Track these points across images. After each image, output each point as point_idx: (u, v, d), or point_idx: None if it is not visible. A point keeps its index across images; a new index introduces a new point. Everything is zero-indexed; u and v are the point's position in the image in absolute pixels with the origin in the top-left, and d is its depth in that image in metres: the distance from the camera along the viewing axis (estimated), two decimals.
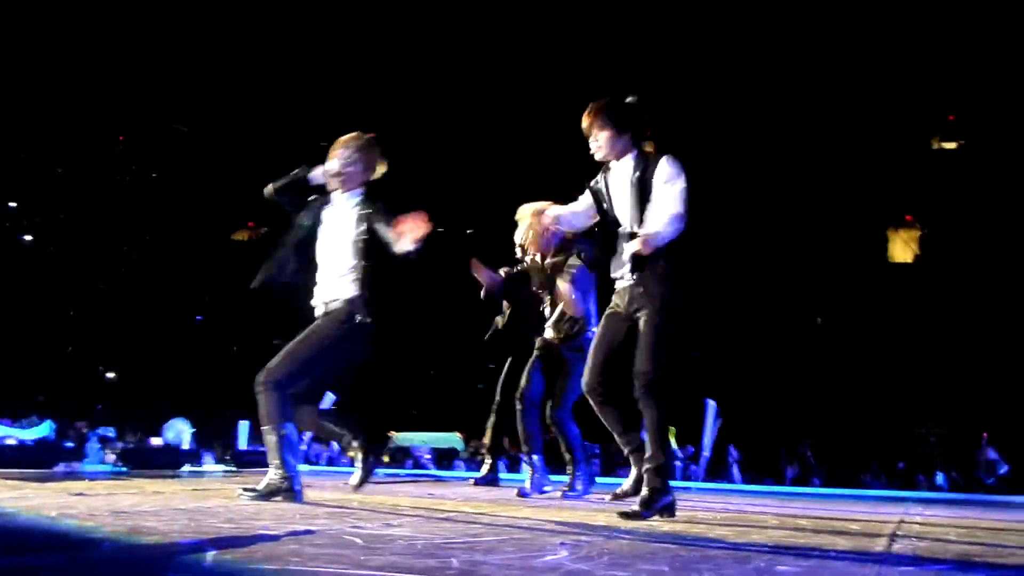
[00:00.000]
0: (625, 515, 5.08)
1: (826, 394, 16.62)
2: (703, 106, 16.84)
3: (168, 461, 10.03)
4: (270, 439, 5.61)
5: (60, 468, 8.88)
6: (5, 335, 21.27)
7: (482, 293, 7.85)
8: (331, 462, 12.40)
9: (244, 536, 3.66)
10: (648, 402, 5.22)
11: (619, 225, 5.48)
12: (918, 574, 3.42)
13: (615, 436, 5.73)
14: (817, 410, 16.28)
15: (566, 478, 7.71)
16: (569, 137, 5.82)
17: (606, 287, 5.71)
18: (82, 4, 19.72)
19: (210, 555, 3.10)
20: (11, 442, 10.39)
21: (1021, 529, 5.89)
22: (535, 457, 7.57)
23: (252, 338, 18.80)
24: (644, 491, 5.24)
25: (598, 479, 8.22)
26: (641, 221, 5.33)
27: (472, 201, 19.86)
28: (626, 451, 5.83)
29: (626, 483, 6.81)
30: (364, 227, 5.75)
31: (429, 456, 13.34)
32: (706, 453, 12.03)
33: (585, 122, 5.54)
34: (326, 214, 5.97)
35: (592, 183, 5.63)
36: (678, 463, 12.37)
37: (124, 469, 9.38)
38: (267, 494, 5.52)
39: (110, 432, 11.77)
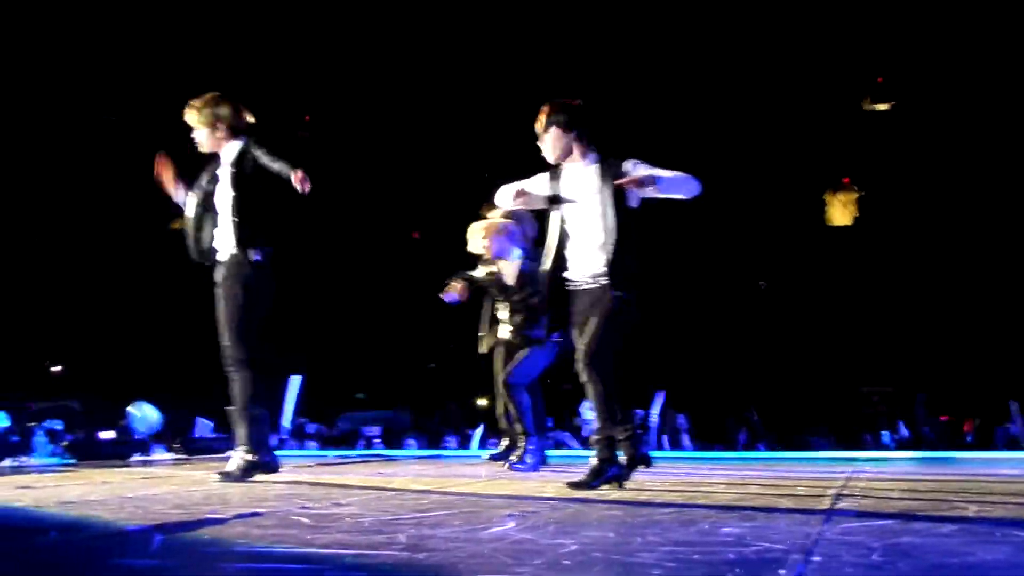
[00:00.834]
0: (573, 485, 5.12)
1: (771, 358, 16.77)
2: (636, 68, 16.83)
3: (117, 452, 9.95)
4: None
5: (7, 462, 8.79)
6: None
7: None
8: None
9: (191, 521, 3.66)
10: (592, 376, 5.24)
11: (566, 230, 5.49)
12: (861, 529, 3.49)
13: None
14: (763, 374, 16.42)
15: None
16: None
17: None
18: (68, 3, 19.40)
19: (156, 540, 3.10)
20: None
21: (961, 482, 6.01)
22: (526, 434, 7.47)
23: (195, 328, 18.61)
24: (593, 461, 5.28)
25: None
26: (605, 225, 5.34)
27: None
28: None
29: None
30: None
31: (379, 439, 13.30)
32: (654, 420, 12.11)
33: (537, 124, 5.54)
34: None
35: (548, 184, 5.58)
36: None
37: (72, 461, 9.30)
38: None
39: (58, 425, 11.62)
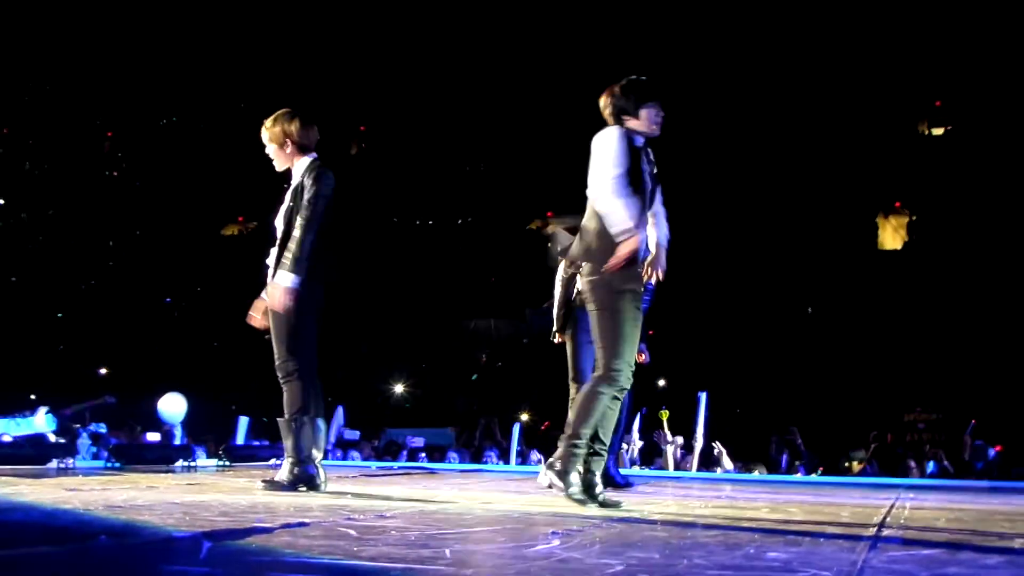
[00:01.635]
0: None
1: (817, 382, 16.66)
2: (694, 96, 16.85)
3: (160, 456, 10.04)
4: None
5: (54, 464, 8.88)
6: None
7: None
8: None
9: (239, 529, 3.69)
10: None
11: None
12: (906, 558, 3.46)
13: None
14: (808, 398, 16.32)
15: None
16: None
17: None
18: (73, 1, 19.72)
19: (205, 547, 3.12)
20: (7, 439, 10.40)
21: (1008, 513, 5.94)
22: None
23: (240, 334, 18.79)
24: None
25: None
26: None
27: (465, 193, 19.92)
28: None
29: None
30: None
31: (422, 451, 13.41)
32: (698, 443, 12.07)
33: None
34: None
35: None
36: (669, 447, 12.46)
37: (117, 465, 9.38)
38: None
39: (102, 428, 11.73)
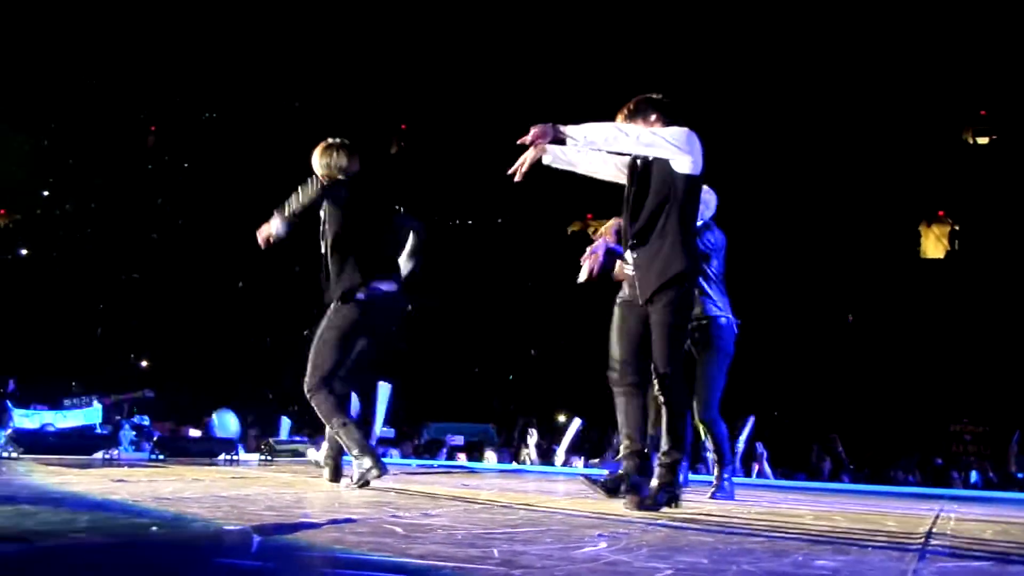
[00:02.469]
0: (635, 505, 5.05)
1: (859, 391, 16.53)
2: (738, 102, 16.80)
3: (204, 450, 10.12)
4: None
5: (100, 455, 8.98)
6: (39, 323, 21.49)
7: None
8: None
9: (287, 524, 3.71)
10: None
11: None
12: (956, 570, 3.42)
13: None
14: (850, 407, 16.20)
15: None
16: None
17: None
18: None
19: (255, 541, 3.14)
20: (50, 428, 10.54)
21: None
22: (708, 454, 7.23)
23: (285, 328, 18.92)
24: (654, 482, 5.18)
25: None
26: None
27: (500, 194, 19.91)
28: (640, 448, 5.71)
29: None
30: None
31: (462, 450, 13.43)
32: (740, 446, 11.99)
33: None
34: None
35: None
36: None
37: (160, 457, 9.47)
38: None
39: (144, 420, 11.84)
